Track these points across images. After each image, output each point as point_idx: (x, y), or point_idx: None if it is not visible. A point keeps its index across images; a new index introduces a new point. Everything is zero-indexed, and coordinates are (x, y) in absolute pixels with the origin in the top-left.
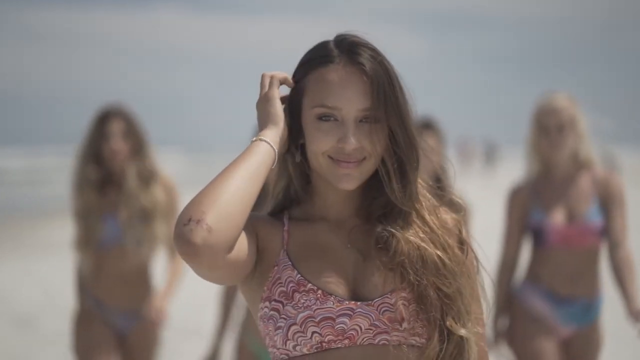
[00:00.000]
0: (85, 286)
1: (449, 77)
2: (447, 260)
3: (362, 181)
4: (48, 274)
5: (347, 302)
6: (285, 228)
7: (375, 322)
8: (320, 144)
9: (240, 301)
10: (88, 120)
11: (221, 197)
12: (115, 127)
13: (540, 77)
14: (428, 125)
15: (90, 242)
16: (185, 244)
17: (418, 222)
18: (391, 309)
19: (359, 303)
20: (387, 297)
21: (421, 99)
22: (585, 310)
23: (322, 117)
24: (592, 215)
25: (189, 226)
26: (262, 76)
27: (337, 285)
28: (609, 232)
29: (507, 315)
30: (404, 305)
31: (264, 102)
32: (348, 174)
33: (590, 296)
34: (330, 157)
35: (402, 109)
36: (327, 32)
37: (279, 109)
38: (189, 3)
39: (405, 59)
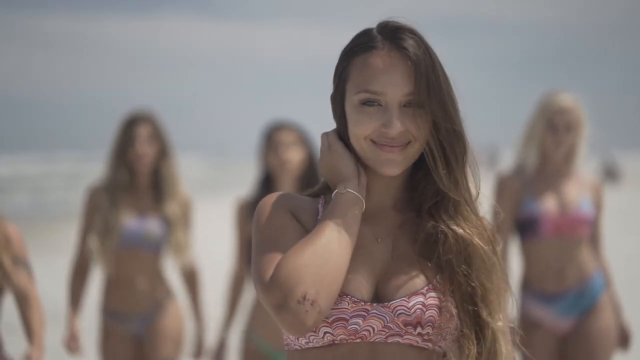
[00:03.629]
0: (103, 302)
1: (454, 81)
2: (491, 254)
3: (406, 167)
4: (64, 273)
5: (362, 303)
6: (319, 217)
7: (389, 324)
8: (363, 127)
9: (247, 298)
10: (95, 127)
11: (331, 273)
12: (142, 131)
13: (545, 81)
14: None
15: (110, 242)
16: (299, 325)
17: (466, 213)
18: (407, 312)
19: (374, 304)
20: (404, 300)
21: None
22: (578, 298)
23: (366, 102)
24: (584, 205)
25: (304, 306)
26: (322, 136)
27: (358, 283)
28: (592, 235)
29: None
30: (421, 310)
31: (333, 157)
32: (392, 159)
33: (580, 284)
34: (373, 142)
35: (444, 95)
36: (332, 37)
37: (351, 158)
38: (198, 9)
39: None
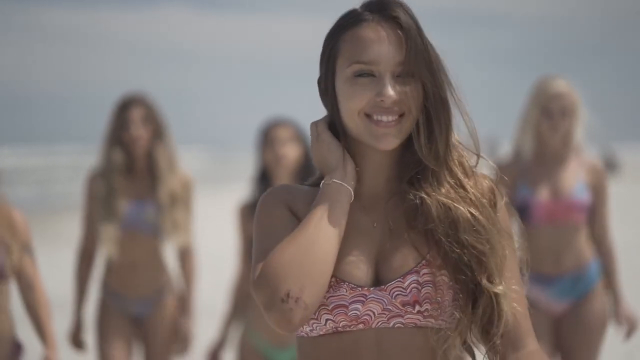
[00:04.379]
0: (104, 281)
1: (455, 75)
2: (479, 216)
3: (401, 140)
4: (67, 265)
5: (360, 289)
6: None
7: (388, 307)
8: (357, 99)
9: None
10: (95, 120)
11: (315, 267)
12: (135, 114)
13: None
14: None
15: (112, 225)
16: (286, 323)
17: (451, 182)
18: (403, 293)
19: (372, 289)
20: (400, 281)
21: None
22: (575, 283)
23: (358, 74)
24: (577, 192)
25: (288, 304)
26: (310, 126)
27: (355, 268)
28: (594, 221)
29: None
30: (416, 288)
31: (321, 146)
32: (387, 132)
33: (577, 269)
34: (367, 116)
35: (433, 62)
36: None
37: (338, 147)
38: (197, 2)
39: None
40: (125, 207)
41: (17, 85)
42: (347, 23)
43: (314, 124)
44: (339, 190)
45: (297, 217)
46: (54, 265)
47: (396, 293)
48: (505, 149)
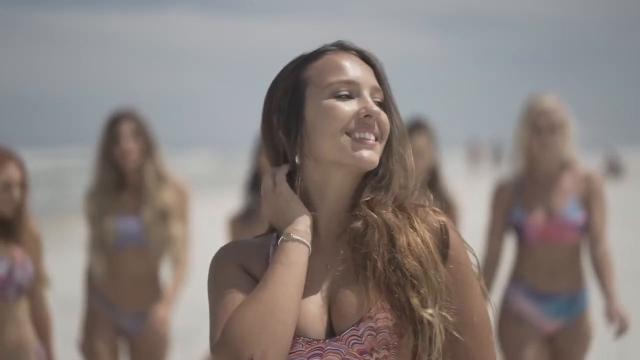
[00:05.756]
0: (96, 288)
1: (459, 77)
2: (415, 243)
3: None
4: (74, 267)
5: (316, 342)
6: (270, 260)
7: (346, 357)
8: (340, 117)
9: None
10: (99, 122)
11: (277, 330)
12: (125, 128)
13: (549, 76)
14: (418, 125)
15: (104, 244)
16: None
17: (398, 211)
18: (359, 341)
19: (327, 340)
20: (354, 330)
21: (430, 98)
22: (568, 304)
23: (337, 95)
24: (570, 211)
25: None
26: (266, 177)
27: (309, 321)
28: (589, 228)
29: (497, 317)
30: (371, 335)
31: (278, 200)
32: (371, 150)
33: (572, 291)
34: (349, 136)
35: (393, 96)
36: (337, 32)
37: (298, 201)
38: (199, 4)
39: (414, 59)
40: (117, 223)
41: (19, 87)
42: (309, 57)
43: (271, 175)
44: (298, 248)
45: (252, 275)
46: (65, 267)
47: (352, 342)
48: (509, 153)
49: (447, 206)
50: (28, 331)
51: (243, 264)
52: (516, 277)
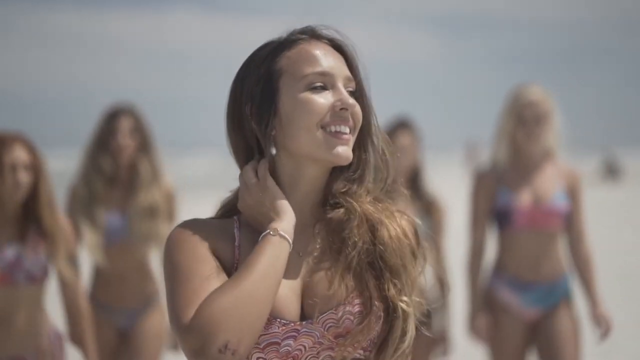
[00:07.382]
0: (88, 289)
1: (462, 78)
2: (396, 234)
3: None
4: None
5: (292, 324)
6: (237, 243)
7: (320, 340)
8: (316, 111)
9: None
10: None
11: (254, 320)
12: (124, 124)
13: (553, 78)
14: (403, 124)
15: (99, 230)
16: None
17: (375, 202)
18: (336, 324)
19: (303, 323)
20: (333, 313)
21: (433, 99)
22: (548, 293)
23: (312, 87)
24: (558, 199)
25: (224, 355)
26: (246, 169)
27: (285, 304)
28: (571, 223)
29: (486, 310)
30: (349, 320)
31: (265, 193)
32: (346, 146)
33: (552, 279)
34: (325, 130)
35: (366, 86)
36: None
37: (283, 196)
38: (207, 4)
39: (418, 61)
40: (106, 216)
41: (18, 87)
42: (282, 45)
43: (250, 168)
44: (281, 244)
45: (216, 256)
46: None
47: (329, 325)
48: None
49: (429, 206)
50: (40, 318)
51: (210, 243)
52: (499, 267)
